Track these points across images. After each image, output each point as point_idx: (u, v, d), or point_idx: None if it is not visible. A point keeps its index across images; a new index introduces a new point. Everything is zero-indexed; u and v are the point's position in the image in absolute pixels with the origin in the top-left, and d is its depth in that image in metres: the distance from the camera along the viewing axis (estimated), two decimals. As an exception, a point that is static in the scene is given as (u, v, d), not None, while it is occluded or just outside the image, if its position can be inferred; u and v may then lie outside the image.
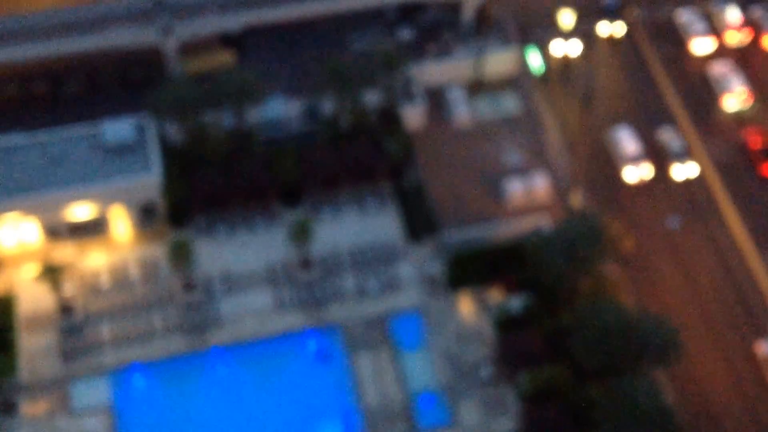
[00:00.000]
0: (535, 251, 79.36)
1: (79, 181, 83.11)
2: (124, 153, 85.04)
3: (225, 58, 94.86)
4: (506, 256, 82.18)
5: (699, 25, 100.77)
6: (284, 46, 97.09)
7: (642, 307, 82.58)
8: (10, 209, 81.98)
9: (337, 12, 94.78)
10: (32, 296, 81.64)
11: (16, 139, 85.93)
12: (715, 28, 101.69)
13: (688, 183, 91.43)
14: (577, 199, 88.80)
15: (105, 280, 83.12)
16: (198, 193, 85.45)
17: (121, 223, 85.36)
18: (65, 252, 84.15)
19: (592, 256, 78.11)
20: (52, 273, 78.83)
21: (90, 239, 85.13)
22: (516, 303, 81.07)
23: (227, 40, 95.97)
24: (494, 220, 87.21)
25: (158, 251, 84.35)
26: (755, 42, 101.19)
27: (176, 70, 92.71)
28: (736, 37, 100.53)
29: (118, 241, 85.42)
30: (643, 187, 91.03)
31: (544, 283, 79.59)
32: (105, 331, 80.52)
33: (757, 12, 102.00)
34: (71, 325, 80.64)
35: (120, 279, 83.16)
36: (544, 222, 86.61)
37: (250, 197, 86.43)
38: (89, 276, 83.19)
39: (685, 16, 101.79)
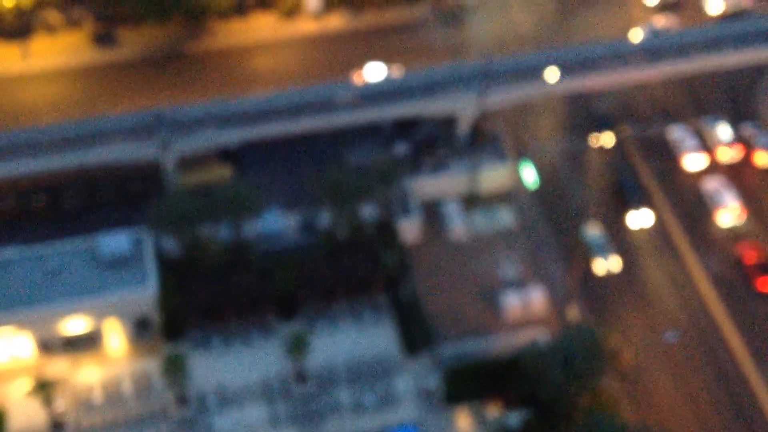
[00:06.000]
0: (532, 366, 78.73)
1: (75, 295, 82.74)
2: (121, 266, 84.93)
3: (222, 171, 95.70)
4: (504, 370, 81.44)
5: (690, 141, 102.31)
6: (281, 160, 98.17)
7: (641, 422, 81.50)
8: (5, 323, 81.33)
9: (334, 127, 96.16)
10: (24, 412, 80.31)
11: (13, 252, 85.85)
12: (706, 145, 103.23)
13: (684, 297, 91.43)
14: (573, 313, 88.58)
15: (98, 394, 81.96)
16: (194, 306, 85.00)
17: (116, 336, 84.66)
18: (58, 366, 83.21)
19: (591, 370, 77.47)
20: (44, 388, 77.74)
21: (84, 353, 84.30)
22: (514, 418, 79.99)
23: (225, 154, 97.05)
24: (491, 334, 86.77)
25: (152, 365, 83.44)
26: (746, 159, 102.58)
27: (174, 183, 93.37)
28: (727, 154, 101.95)
29: (111, 355, 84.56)
30: (641, 301, 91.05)
31: (543, 398, 78.67)
32: (96, 447, 79.15)
33: (748, 130, 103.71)
34: (62, 441, 79.31)
35: (113, 394, 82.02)
36: (541, 336, 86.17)
37: (246, 310, 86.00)
38: (82, 391, 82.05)
39: (676, 133, 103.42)
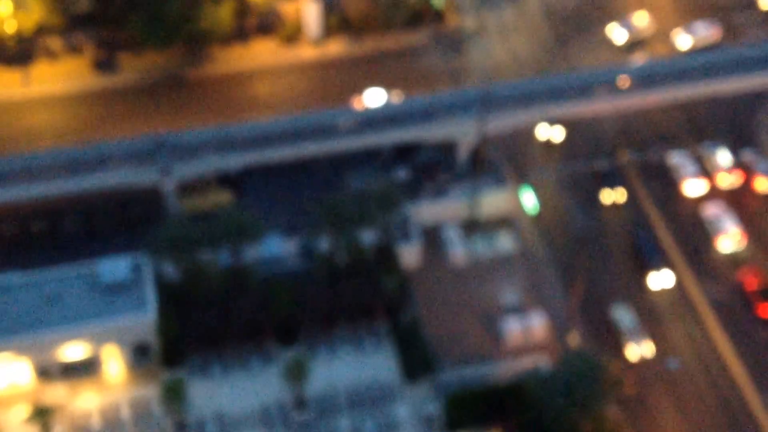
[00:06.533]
0: (534, 392, 78.29)
1: (74, 321, 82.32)
2: (120, 292, 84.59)
3: (223, 197, 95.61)
4: (505, 396, 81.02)
5: (690, 167, 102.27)
6: (281, 186, 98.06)
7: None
8: (3, 349, 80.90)
9: (334, 152, 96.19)
10: (21, 438, 79.98)
11: (12, 278, 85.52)
12: (706, 171, 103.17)
13: (685, 323, 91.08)
14: (574, 339, 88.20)
15: (96, 422, 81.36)
16: (193, 332, 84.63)
17: (114, 362, 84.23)
18: (56, 393, 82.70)
19: (592, 397, 77.07)
20: (42, 415, 77.37)
21: (82, 379, 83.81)
22: (515, 445, 79.54)
23: (225, 180, 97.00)
24: (492, 360, 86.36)
25: (151, 392, 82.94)
26: (747, 184, 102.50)
27: (174, 208, 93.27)
28: (727, 180, 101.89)
29: (110, 382, 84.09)
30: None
31: (544, 425, 78.13)
32: (94, 474, 78.61)
33: (748, 155, 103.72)
34: (60, 468, 78.76)
35: (111, 421, 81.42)
36: (542, 362, 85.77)
37: (245, 336, 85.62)
38: (80, 417, 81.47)
39: (676, 159, 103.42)
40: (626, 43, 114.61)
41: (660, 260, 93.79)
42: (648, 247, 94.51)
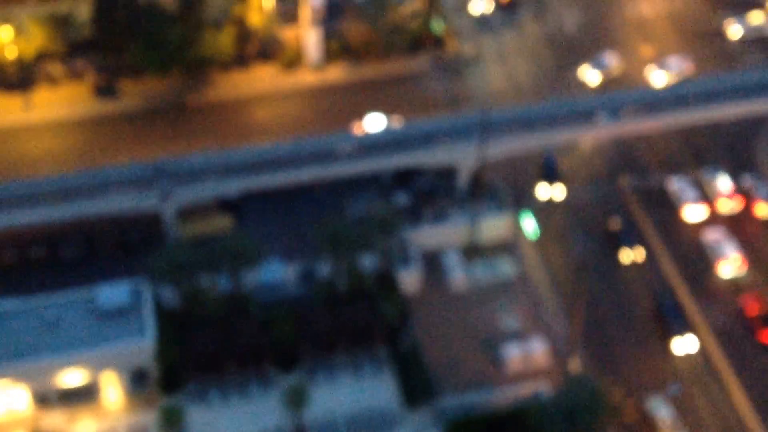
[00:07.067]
0: (535, 419, 77.83)
1: (72, 347, 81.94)
2: (119, 318, 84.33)
3: (222, 222, 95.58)
4: (506, 423, 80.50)
5: (690, 192, 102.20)
6: (281, 210, 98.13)
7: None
8: (1, 376, 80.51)
9: (334, 177, 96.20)
10: (18, 465, 79.50)
11: (10, 304, 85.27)
12: (706, 196, 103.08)
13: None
14: (576, 365, 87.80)
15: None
16: (192, 358, 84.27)
17: (113, 389, 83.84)
18: (54, 420, 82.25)
19: (593, 423, 76.60)
20: (39, 441, 77.01)
21: (80, 406, 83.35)
22: (516, 472, 78.97)
23: (225, 205, 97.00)
24: (493, 386, 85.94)
25: (149, 418, 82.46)
26: (747, 210, 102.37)
27: (174, 233, 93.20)
28: (727, 205, 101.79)
29: (108, 408, 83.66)
30: (643, 352, 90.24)
31: (545, 452, 77.74)
32: (92, 501, 78.05)
33: (748, 181, 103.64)
34: (57, 495, 78.23)
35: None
36: (543, 388, 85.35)
37: (245, 361, 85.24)
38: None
39: (676, 184, 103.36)
40: (600, 83, 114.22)
41: (685, 325, 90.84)
42: (672, 312, 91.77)
